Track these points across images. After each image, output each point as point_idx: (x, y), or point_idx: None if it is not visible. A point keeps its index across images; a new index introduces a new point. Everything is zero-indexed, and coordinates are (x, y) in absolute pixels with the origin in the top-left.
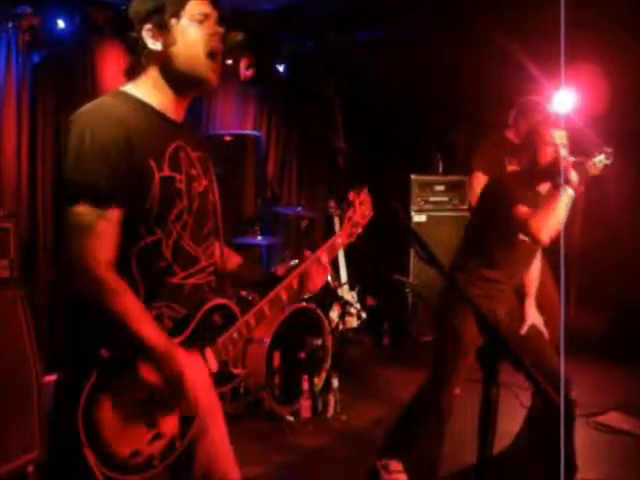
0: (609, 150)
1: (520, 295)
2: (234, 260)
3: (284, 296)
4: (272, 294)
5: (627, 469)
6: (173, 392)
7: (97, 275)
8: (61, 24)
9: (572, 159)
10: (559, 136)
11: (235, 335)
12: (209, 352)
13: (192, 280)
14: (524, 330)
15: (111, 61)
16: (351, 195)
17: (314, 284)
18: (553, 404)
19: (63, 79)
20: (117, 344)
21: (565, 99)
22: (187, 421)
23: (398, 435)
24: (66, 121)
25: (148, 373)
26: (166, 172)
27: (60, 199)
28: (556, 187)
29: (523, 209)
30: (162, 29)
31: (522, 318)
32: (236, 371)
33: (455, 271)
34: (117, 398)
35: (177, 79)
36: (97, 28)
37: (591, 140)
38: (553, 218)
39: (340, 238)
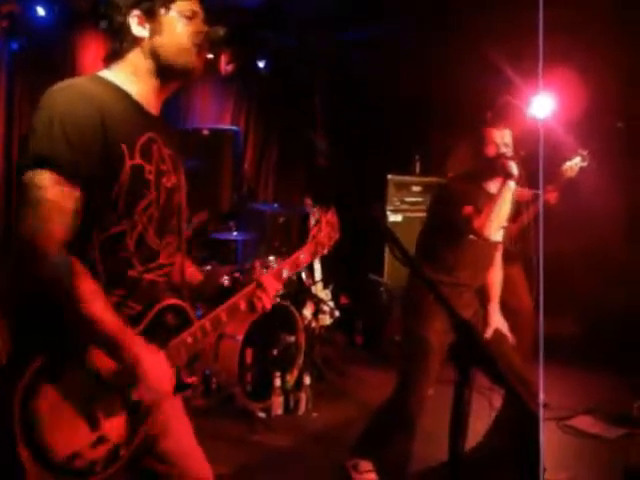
0: (585, 153)
1: (483, 299)
2: (195, 276)
3: (243, 305)
4: (231, 301)
5: (596, 472)
6: (125, 380)
7: (50, 250)
8: (41, 12)
9: (511, 153)
10: (500, 135)
11: (189, 340)
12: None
13: (149, 276)
14: (488, 334)
15: (91, 50)
16: (319, 213)
17: (272, 294)
18: (524, 406)
19: (42, 67)
20: (65, 330)
21: (543, 103)
22: (134, 428)
23: (369, 436)
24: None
25: (99, 361)
26: (137, 161)
27: (20, 170)
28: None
29: (468, 209)
30: (150, 17)
31: (486, 322)
32: (188, 380)
33: (410, 286)
34: (61, 392)
35: (161, 68)
36: (77, 16)
37: (568, 143)
38: (495, 212)
39: (303, 255)
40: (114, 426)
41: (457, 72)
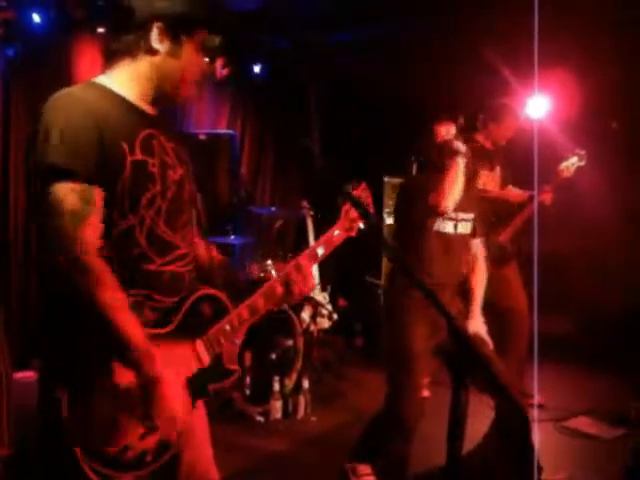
0: (582, 152)
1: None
2: (218, 259)
3: (279, 290)
4: (266, 287)
5: (593, 473)
6: (144, 398)
7: (85, 261)
8: (36, 18)
9: (453, 134)
10: (444, 128)
11: (227, 327)
12: (199, 344)
13: (170, 267)
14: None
15: (87, 56)
16: (349, 187)
17: (306, 278)
18: (516, 408)
19: (38, 74)
20: (99, 338)
21: (539, 104)
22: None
23: (366, 442)
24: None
25: (123, 374)
26: (138, 156)
27: (37, 183)
28: (450, 158)
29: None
30: (171, 35)
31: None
32: (232, 367)
33: (388, 287)
34: (104, 394)
35: (155, 87)
36: (73, 23)
37: (564, 144)
38: (448, 187)
39: (338, 231)
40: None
41: (453, 73)
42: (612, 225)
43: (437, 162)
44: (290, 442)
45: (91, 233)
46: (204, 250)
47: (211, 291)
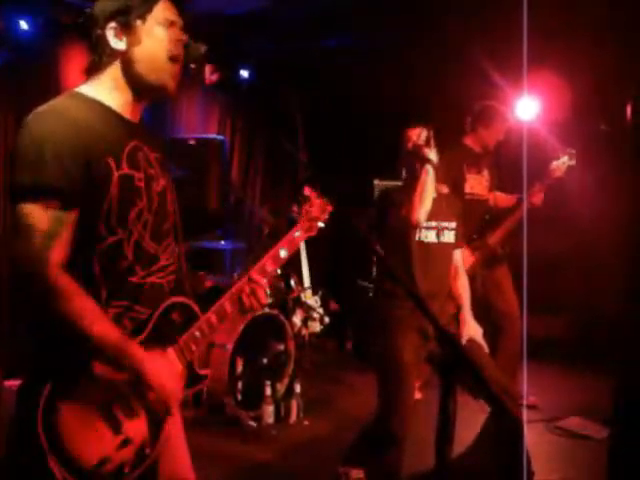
0: (572, 152)
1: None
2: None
3: (246, 290)
4: (233, 290)
5: (587, 473)
6: (137, 390)
7: (48, 278)
8: (24, 25)
9: (423, 141)
10: (416, 133)
11: (197, 333)
12: (171, 352)
13: (151, 279)
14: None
15: (75, 63)
16: (307, 189)
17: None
18: (507, 414)
19: (26, 81)
20: (74, 349)
21: (528, 105)
22: (156, 426)
23: (358, 449)
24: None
25: (107, 375)
26: (125, 170)
27: (10, 199)
28: (420, 166)
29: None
30: (127, 29)
31: (459, 332)
32: (202, 372)
33: (378, 299)
34: (79, 403)
35: (136, 82)
36: (61, 30)
37: (554, 145)
38: (418, 197)
39: (298, 232)
40: (136, 427)
41: (441, 77)
42: (601, 226)
43: (408, 169)
44: (283, 447)
45: (60, 251)
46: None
47: (180, 299)
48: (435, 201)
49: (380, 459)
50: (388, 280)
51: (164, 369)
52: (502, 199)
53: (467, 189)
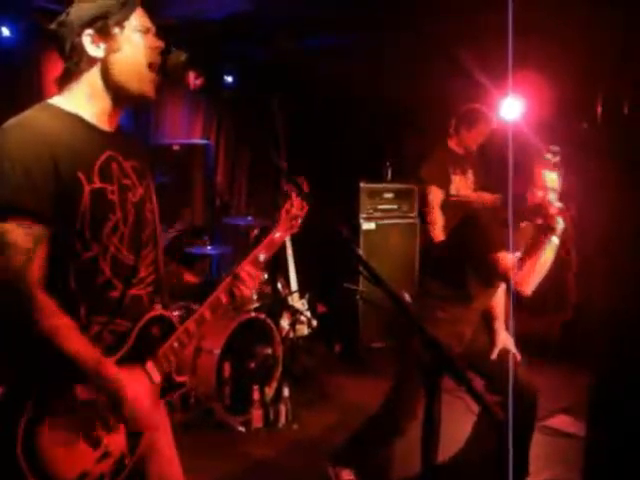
0: (556, 149)
1: (488, 318)
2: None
3: (224, 299)
4: (212, 297)
5: (574, 471)
6: (113, 410)
7: (26, 295)
8: (5, 32)
9: (560, 205)
10: (551, 179)
11: (175, 344)
12: (150, 365)
13: (132, 291)
14: (494, 354)
15: (58, 68)
16: (288, 187)
17: (251, 282)
18: (497, 419)
19: (7, 88)
20: (50, 366)
21: (512, 106)
22: (135, 436)
23: (353, 445)
24: None
25: (86, 393)
26: (96, 184)
27: None
28: (541, 233)
29: (504, 259)
30: (104, 36)
31: (492, 342)
32: (180, 379)
33: (423, 296)
34: (57, 422)
35: (116, 89)
36: (43, 35)
37: (537, 144)
38: (538, 270)
39: (279, 233)
40: (115, 440)
41: (426, 76)
42: (585, 224)
43: (523, 217)
44: (272, 451)
45: (35, 268)
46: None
47: (158, 312)
48: (519, 234)
49: (375, 453)
50: (443, 288)
51: (140, 388)
52: (488, 198)
53: (453, 191)
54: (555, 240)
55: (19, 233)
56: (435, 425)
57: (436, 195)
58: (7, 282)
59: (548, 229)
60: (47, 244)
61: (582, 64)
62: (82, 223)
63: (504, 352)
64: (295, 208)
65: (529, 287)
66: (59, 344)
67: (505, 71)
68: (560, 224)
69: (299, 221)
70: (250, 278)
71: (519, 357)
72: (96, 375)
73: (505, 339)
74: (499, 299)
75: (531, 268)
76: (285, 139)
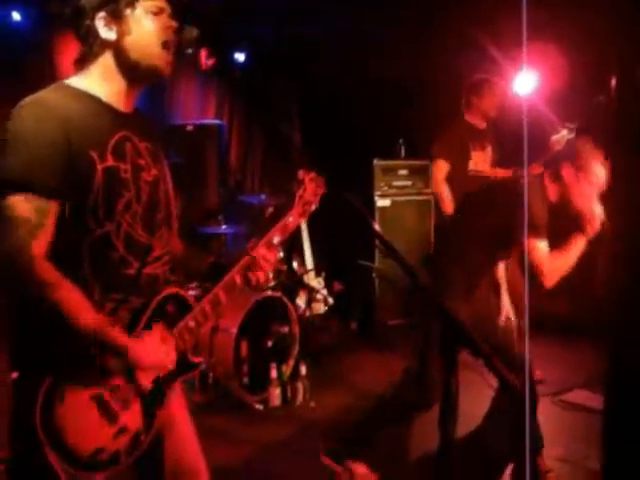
0: (572, 125)
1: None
2: (178, 247)
3: (238, 280)
4: (227, 279)
5: (592, 446)
6: (128, 375)
7: (32, 268)
8: (16, 16)
9: (601, 216)
10: (600, 174)
11: (191, 323)
12: (165, 339)
13: (147, 270)
14: (502, 321)
15: (69, 52)
16: (301, 173)
17: (267, 266)
18: (513, 389)
19: (19, 73)
20: (65, 338)
21: (526, 79)
22: (151, 414)
23: (368, 424)
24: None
25: (102, 361)
26: (109, 162)
27: None
28: (577, 234)
29: (543, 249)
30: (116, 18)
31: (499, 310)
32: (196, 359)
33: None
34: (74, 397)
35: (130, 68)
36: (53, 20)
37: (552, 119)
38: (566, 267)
39: (292, 217)
40: (131, 417)
41: (438, 53)
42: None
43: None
44: (290, 429)
45: (44, 241)
46: (179, 245)
47: (174, 290)
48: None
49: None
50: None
51: (147, 344)
52: (502, 174)
53: (471, 165)
54: (586, 238)
55: (25, 207)
56: (453, 400)
57: (440, 168)
58: (9, 255)
59: (584, 232)
60: (55, 219)
61: (597, 32)
62: (95, 200)
63: (508, 321)
64: (308, 193)
65: (553, 282)
66: (68, 314)
67: (518, 45)
68: (598, 219)
69: (312, 206)
70: (265, 262)
71: (515, 323)
72: (103, 339)
73: (508, 307)
74: (502, 272)
75: (562, 266)
76: (298, 118)
